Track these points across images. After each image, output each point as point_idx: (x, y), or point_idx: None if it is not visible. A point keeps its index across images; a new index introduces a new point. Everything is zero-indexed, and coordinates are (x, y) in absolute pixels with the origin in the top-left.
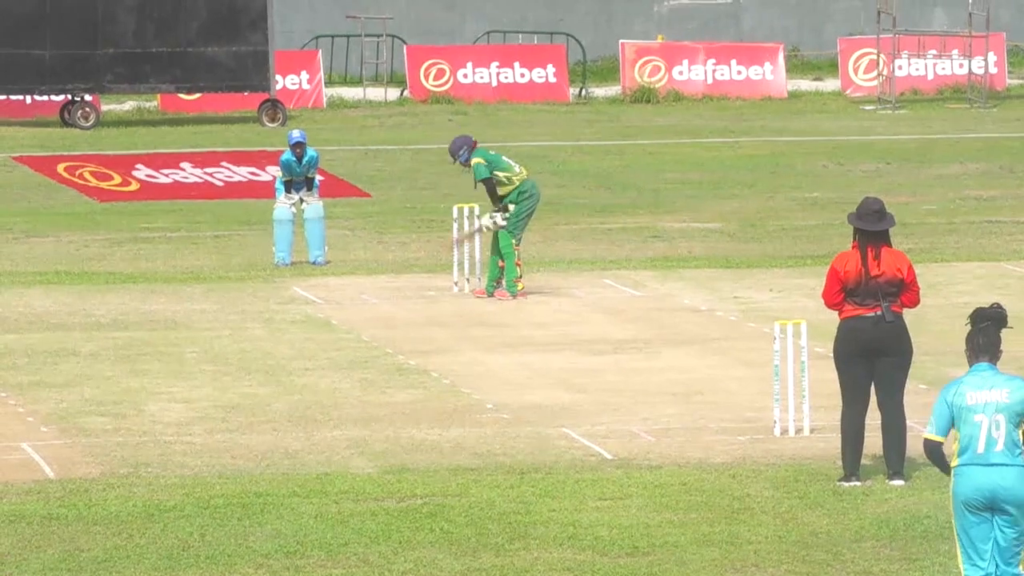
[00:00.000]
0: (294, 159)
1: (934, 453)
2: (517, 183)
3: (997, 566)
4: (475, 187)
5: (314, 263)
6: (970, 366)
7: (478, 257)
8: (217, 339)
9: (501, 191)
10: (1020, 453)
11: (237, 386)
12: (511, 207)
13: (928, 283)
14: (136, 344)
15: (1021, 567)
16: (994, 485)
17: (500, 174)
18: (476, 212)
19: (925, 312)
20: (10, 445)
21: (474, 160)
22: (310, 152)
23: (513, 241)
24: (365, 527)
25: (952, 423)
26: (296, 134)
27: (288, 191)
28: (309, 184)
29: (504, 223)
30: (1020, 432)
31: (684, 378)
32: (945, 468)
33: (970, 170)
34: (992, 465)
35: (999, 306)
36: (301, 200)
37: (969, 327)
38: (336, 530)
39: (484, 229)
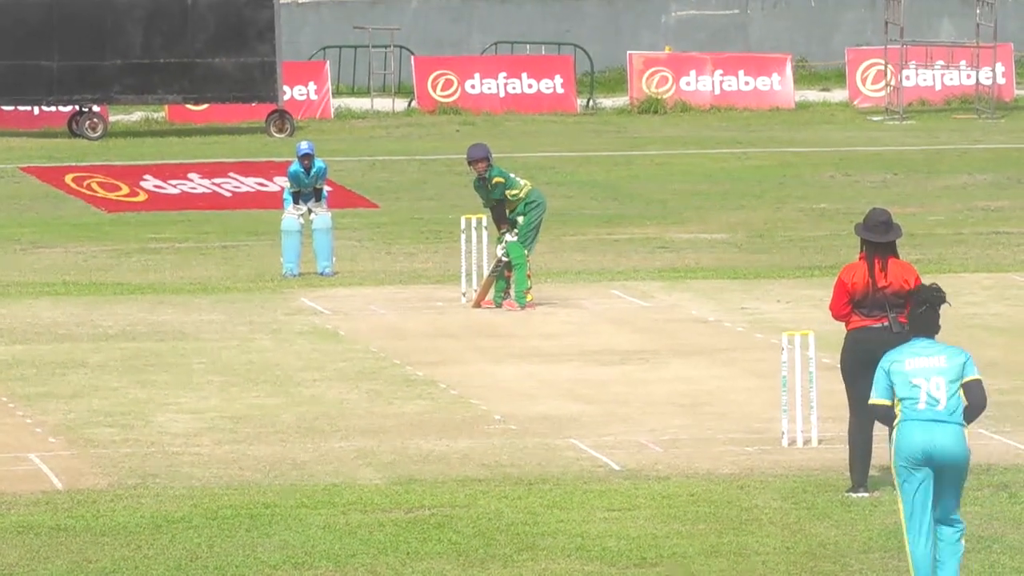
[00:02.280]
0: (302, 170)
1: (878, 411)
2: (523, 196)
3: (938, 522)
4: (484, 204)
5: (322, 274)
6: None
7: (486, 269)
8: (225, 350)
9: (507, 208)
10: (960, 414)
11: (245, 397)
12: (520, 219)
13: None
14: (144, 355)
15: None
16: (933, 441)
17: (508, 192)
18: (484, 224)
19: None
20: (18, 456)
21: (497, 178)
22: (318, 163)
23: (525, 252)
24: (373, 538)
25: (892, 389)
26: (304, 145)
27: (296, 202)
28: (317, 195)
29: (514, 239)
30: (960, 396)
31: (692, 389)
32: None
33: (978, 181)
34: (932, 422)
35: (938, 288)
36: (309, 211)
37: (912, 306)
38: (344, 541)
39: (504, 256)
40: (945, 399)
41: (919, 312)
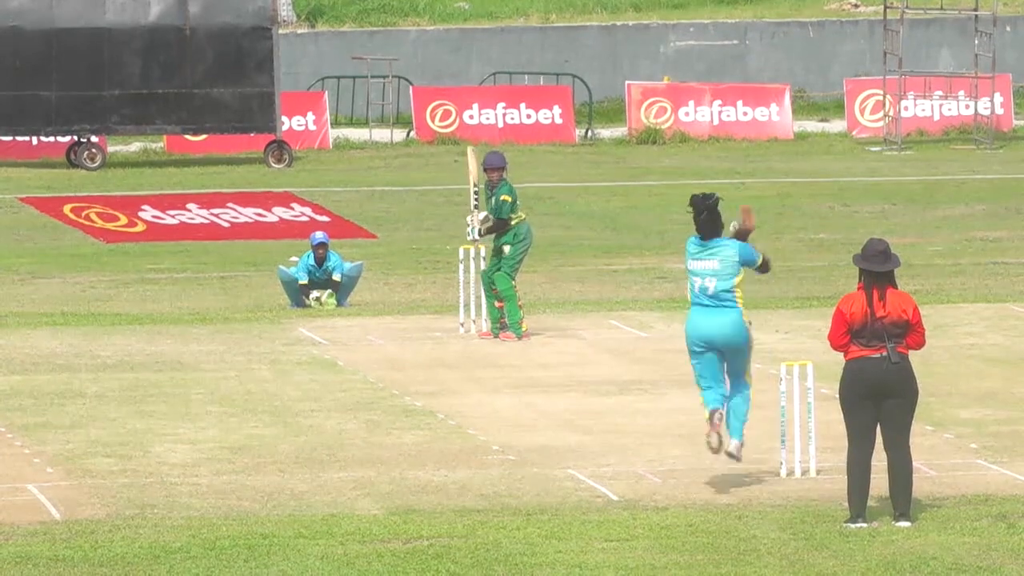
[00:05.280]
0: (314, 263)
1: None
2: (515, 224)
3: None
4: (485, 218)
5: (338, 305)
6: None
7: (484, 300)
8: (223, 380)
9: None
10: (733, 301)
11: (243, 427)
12: (506, 248)
13: (934, 324)
14: (142, 385)
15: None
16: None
17: (512, 215)
18: (483, 254)
19: (931, 353)
20: (16, 486)
21: (506, 196)
22: (334, 257)
23: (513, 284)
24: (371, 568)
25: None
26: (319, 235)
27: (306, 296)
28: (334, 287)
29: (480, 228)
30: (735, 286)
31: (690, 419)
32: None
33: (976, 211)
34: (705, 307)
35: (709, 195)
36: (317, 299)
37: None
38: (342, 571)
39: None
40: (713, 288)
41: (701, 219)
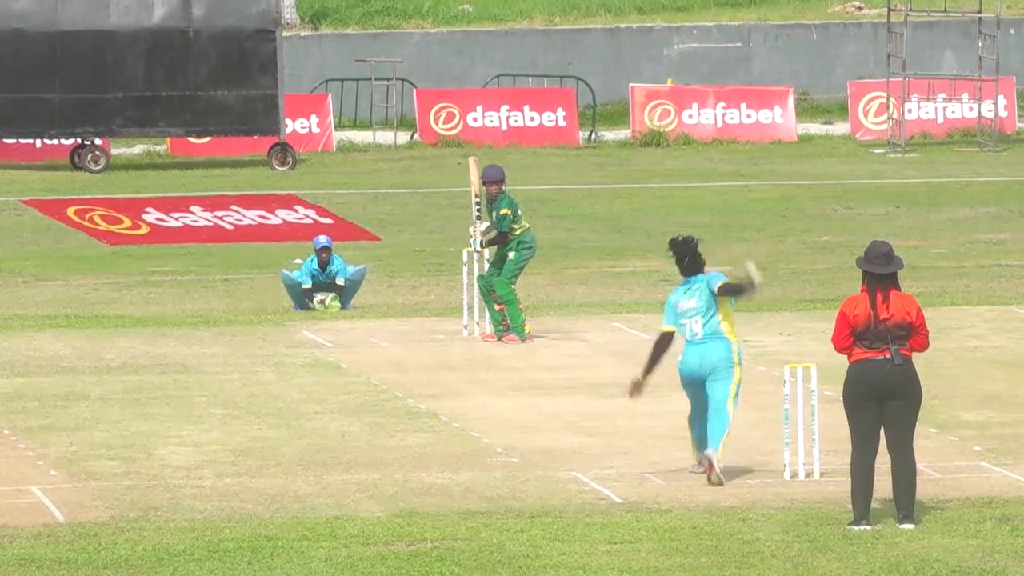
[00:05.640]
0: (317, 267)
1: (661, 340)
2: (519, 233)
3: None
4: (487, 229)
5: (343, 308)
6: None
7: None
8: (227, 383)
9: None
10: (717, 332)
11: (247, 430)
12: (511, 255)
13: (938, 327)
14: (146, 388)
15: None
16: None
17: (515, 226)
18: (486, 256)
19: (935, 356)
20: (20, 489)
21: (506, 210)
22: (337, 260)
23: (512, 288)
24: (375, 571)
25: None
26: (323, 239)
27: (309, 299)
28: (339, 291)
29: (483, 240)
30: (718, 315)
31: None
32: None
33: (980, 214)
34: (695, 344)
35: (689, 238)
36: (322, 302)
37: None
38: (346, 574)
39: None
40: (701, 330)
41: (685, 264)
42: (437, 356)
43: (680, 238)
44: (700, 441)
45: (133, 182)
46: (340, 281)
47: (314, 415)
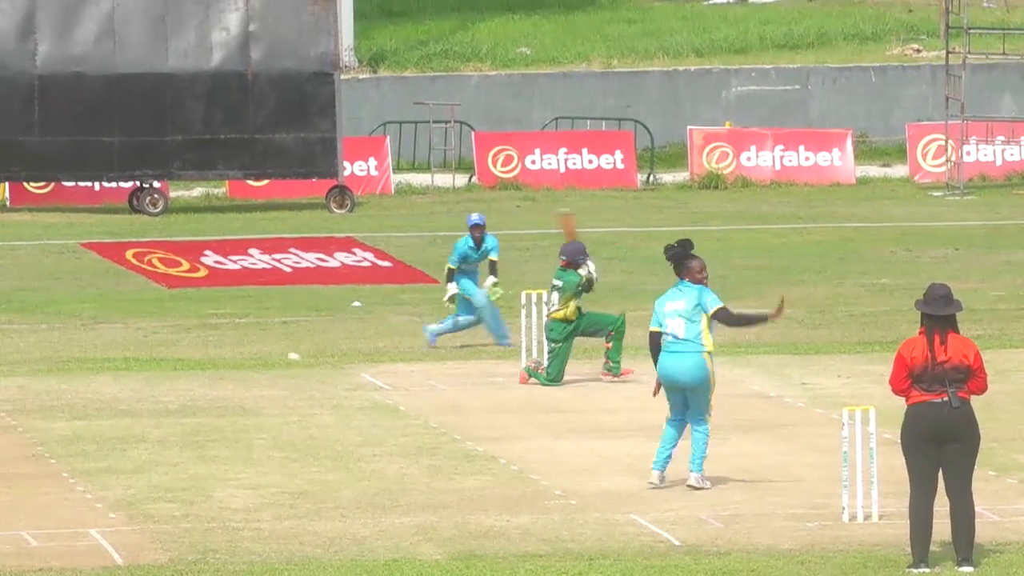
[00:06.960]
0: (472, 245)
1: (651, 341)
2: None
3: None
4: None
5: (502, 344)
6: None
7: (545, 344)
8: (285, 425)
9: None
10: (698, 343)
11: (305, 472)
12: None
13: (997, 369)
14: (204, 430)
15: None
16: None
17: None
18: (544, 299)
19: (994, 398)
20: (78, 531)
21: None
22: (490, 239)
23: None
24: None
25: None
26: (475, 216)
27: (451, 279)
28: (492, 268)
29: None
30: (703, 327)
31: (752, 464)
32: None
33: None
34: (672, 353)
35: (683, 241)
36: (495, 285)
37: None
38: None
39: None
40: (681, 333)
41: (677, 268)
42: (495, 399)
43: (677, 243)
44: (658, 458)
45: (191, 225)
46: (494, 257)
47: (372, 458)
